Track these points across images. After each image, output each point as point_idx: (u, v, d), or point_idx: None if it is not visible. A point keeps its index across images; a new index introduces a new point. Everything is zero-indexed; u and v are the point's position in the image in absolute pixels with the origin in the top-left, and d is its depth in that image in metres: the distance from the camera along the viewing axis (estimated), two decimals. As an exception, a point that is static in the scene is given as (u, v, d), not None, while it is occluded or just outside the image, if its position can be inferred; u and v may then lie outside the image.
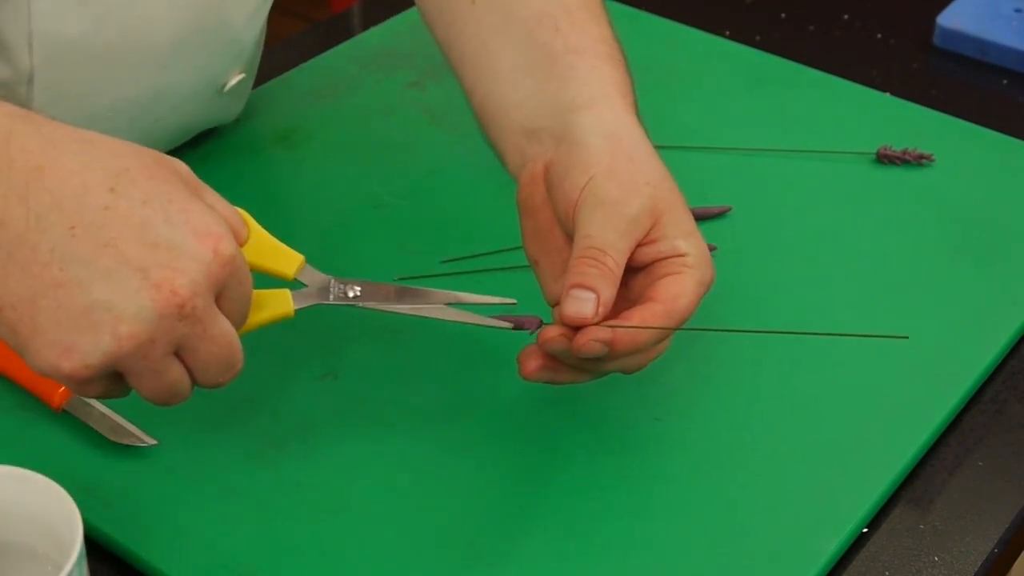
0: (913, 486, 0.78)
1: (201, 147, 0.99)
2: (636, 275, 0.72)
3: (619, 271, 0.70)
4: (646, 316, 0.69)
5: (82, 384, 0.62)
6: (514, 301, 0.73)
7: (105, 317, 0.60)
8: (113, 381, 0.64)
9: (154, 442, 0.76)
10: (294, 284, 0.71)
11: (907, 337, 0.77)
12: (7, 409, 0.79)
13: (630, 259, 0.71)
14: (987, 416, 0.82)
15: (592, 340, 0.68)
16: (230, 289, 0.63)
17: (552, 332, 0.70)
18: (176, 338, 0.62)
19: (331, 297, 0.72)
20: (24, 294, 0.60)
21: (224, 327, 0.63)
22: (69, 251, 0.59)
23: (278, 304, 0.69)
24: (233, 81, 0.94)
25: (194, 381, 0.65)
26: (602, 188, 0.71)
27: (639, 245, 0.71)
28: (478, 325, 0.73)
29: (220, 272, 0.62)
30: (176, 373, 0.63)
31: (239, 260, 0.63)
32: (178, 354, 0.63)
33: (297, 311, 0.70)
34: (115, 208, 0.60)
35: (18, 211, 0.59)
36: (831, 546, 0.72)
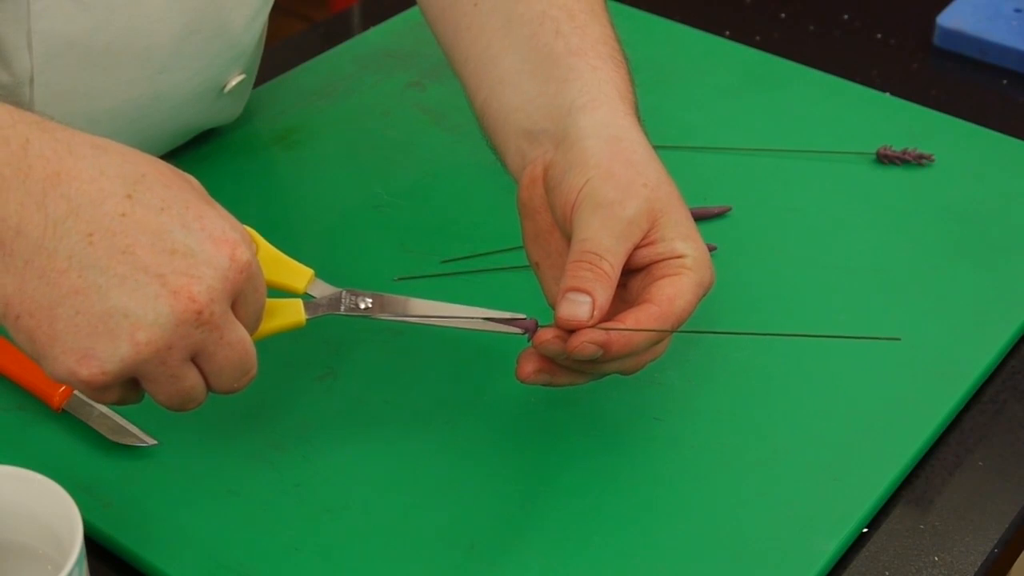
0: (913, 486, 0.78)
1: (201, 147, 0.99)
2: (634, 276, 0.72)
3: (615, 274, 0.70)
4: (641, 318, 0.69)
5: (99, 391, 0.62)
6: (523, 316, 0.73)
7: (123, 323, 0.60)
8: (129, 388, 0.64)
9: (154, 442, 0.76)
10: (305, 298, 0.71)
11: (899, 339, 0.77)
12: (7, 409, 0.79)
13: (628, 261, 0.71)
14: (987, 416, 0.82)
15: (586, 342, 0.68)
16: (246, 295, 0.64)
17: (547, 334, 0.70)
18: (193, 344, 0.62)
19: (342, 308, 0.72)
20: (42, 301, 0.60)
21: (240, 333, 0.64)
22: (87, 258, 0.60)
23: (290, 313, 0.70)
24: (233, 82, 0.94)
25: (209, 387, 0.65)
26: (599, 190, 0.71)
27: (637, 247, 0.71)
28: (487, 331, 0.73)
29: (237, 278, 0.62)
30: (192, 379, 0.64)
31: (255, 266, 0.63)
32: (194, 360, 0.63)
33: (308, 320, 0.70)
34: (132, 215, 0.60)
35: (36, 218, 0.60)
36: (831, 546, 0.72)
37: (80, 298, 0.60)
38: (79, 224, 0.60)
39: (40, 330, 0.60)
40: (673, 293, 0.70)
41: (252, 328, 0.65)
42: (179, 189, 0.62)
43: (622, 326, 0.69)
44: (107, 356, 0.60)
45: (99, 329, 0.60)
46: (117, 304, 0.60)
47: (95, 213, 0.60)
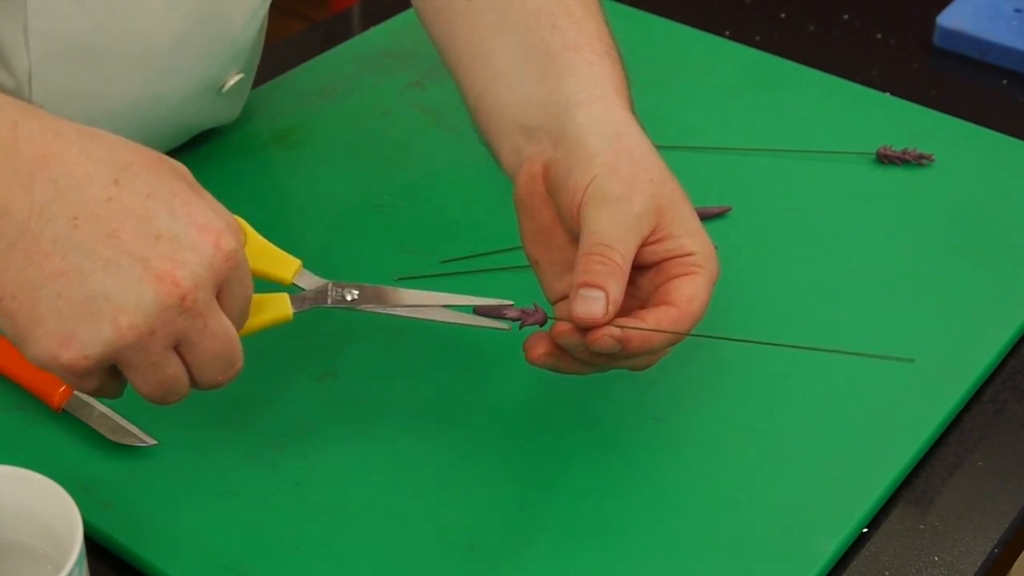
0: (913, 486, 0.78)
1: (201, 147, 0.99)
2: (644, 274, 0.72)
3: (627, 267, 0.70)
4: (661, 319, 0.69)
5: (80, 377, 0.62)
6: (511, 303, 0.73)
7: (106, 307, 0.60)
8: (110, 376, 0.64)
9: (154, 442, 0.76)
10: (292, 289, 0.71)
11: (913, 360, 0.77)
12: (7, 409, 0.79)
13: (637, 258, 0.71)
14: (987, 416, 0.82)
15: (605, 335, 0.68)
16: (231, 284, 0.63)
17: (565, 326, 0.70)
18: (176, 331, 0.62)
19: (329, 300, 0.72)
20: (25, 284, 0.60)
21: (224, 323, 0.63)
22: (71, 241, 0.59)
23: (276, 308, 0.70)
24: (232, 81, 0.94)
25: (193, 380, 0.65)
26: (606, 186, 0.71)
27: (645, 244, 0.71)
28: (477, 327, 0.73)
29: (222, 266, 0.62)
30: (175, 368, 0.63)
31: (240, 256, 0.63)
32: (178, 350, 0.63)
33: (296, 314, 0.70)
34: (118, 200, 0.60)
35: (22, 200, 0.59)
36: (831, 546, 0.72)
37: (63, 281, 0.59)
38: (65, 207, 0.60)
39: (22, 312, 0.60)
40: (691, 294, 0.70)
41: (238, 321, 0.65)
42: (166, 177, 0.62)
43: (643, 325, 0.69)
44: (89, 340, 0.60)
45: (81, 312, 0.60)
46: (100, 287, 0.59)
47: (81, 197, 0.60)
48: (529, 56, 0.77)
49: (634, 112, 0.76)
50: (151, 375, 0.63)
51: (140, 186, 0.61)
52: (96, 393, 0.64)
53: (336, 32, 1.20)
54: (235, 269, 0.63)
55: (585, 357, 0.71)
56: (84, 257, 0.59)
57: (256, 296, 0.67)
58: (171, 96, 0.90)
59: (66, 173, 0.60)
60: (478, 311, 0.73)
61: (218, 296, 0.63)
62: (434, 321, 0.73)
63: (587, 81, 0.75)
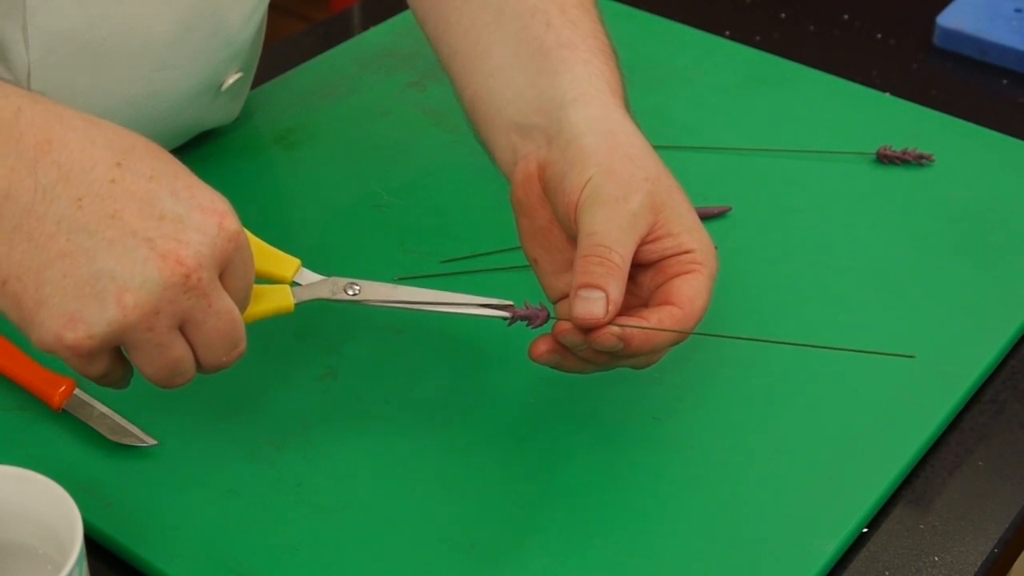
0: (913, 486, 0.78)
1: (201, 147, 0.99)
2: (645, 272, 0.72)
3: (625, 266, 0.70)
4: (664, 319, 0.69)
5: (85, 359, 0.62)
6: (511, 303, 0.73)
7: (110, 286, 0.60)
8: (116, 360, 0.64)
9: (154, 442, 0.76)
10: (292, 286, 0.71)
11: (914, 356, 0.77)
12: (7, 409, 0.79)
13: (637, 256, 0.71)
14: (987, 416, 0.82)
15: (607, 332, 0.68)
16: (234, 266, 0.64)
17: (567, 325, 0.70)
18: (181, 310, 0.62)
19: (330, 294, 0.72)
20: (30, 265, 0.60)
21: (228, 303, 0.64)
22: (75, 222, 0.60)
23: (278, 297, 0.70)
24: (231, 80, 0.94)
25: (198, 361, 0.65)
26: (601, 188, 0.71)
27: (644, 243, 0.71)
28: (478, 316, 0.73)
29: (225, 247, 0.62)
30: (180, 349, 0.63)
31: (243, 237, 0.64)
32: (182, 331, 0.63)
33: (297, 305, 0.70)
34: (122, 182, 0.61)
35: (26, 183, 0.60)
36: (831, 546, 0.72)
37: (68, 261, 0.60)
38: (69, 189, 0.60)
39: (27, 294, 0.60)
40: (692, 293, 0.70)
41: (241, 303, 0.65)
42: (168, 161, 0.63)
43: (645, 324, 0.69)
44: (94, 319, 0.60)
45: (86, 292, 0.60)
46: (104, 267, 0.60)
47: (85, 179, 0.60)
48: (523, 54, 0.77)
49: (629, 110, 0.76)
50: (156, 356, 0.63)
51: (143, 168, 0.61)
52: (102, 379, 0.65)
53: (336, 32, 1.20)
54: (238, 250, 0.63)
55: (588, 355, 0.71)
56: (89, 237, 0.60)
57: (258, 287, 0.68)
58: (169, 94, 0.90)
59: (70, 156, 0.60)
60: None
61: (221, 277, 0.63)
62: (433, 311, 0.73)
63: (581, 79, 0.75)
